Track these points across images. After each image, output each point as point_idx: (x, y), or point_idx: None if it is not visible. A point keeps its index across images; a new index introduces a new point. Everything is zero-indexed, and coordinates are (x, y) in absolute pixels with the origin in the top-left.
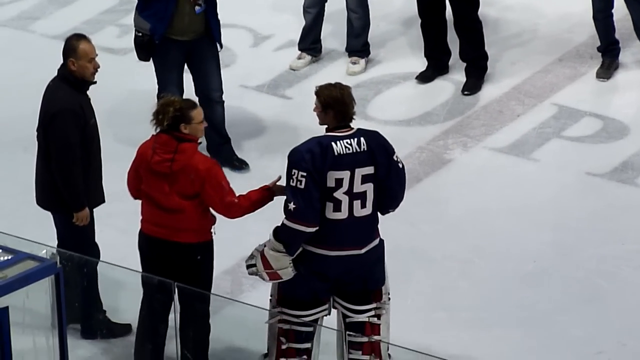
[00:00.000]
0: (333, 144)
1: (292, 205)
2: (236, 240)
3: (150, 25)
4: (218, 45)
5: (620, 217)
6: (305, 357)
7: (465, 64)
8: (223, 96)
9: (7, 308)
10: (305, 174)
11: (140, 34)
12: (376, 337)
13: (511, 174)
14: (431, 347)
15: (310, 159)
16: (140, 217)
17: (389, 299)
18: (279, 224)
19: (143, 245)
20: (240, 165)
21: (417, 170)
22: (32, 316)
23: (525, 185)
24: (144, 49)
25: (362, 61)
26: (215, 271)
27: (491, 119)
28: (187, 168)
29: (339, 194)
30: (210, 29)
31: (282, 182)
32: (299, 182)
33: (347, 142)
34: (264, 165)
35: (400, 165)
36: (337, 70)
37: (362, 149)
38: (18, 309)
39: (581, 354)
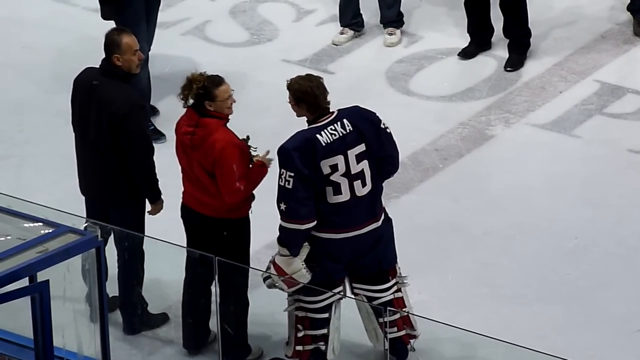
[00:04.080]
0: (318, 135)
1: (283, 206)
2: (259, 226)
3: None
4: None
5: None
6: (322, 342)
7: (508, 41)
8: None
9: (47, 281)
10: (292, 173)
11: None
12: (403, 310)
13: (553, 150)
14: (472, 323)
15: (297, 157)
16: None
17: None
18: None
19: (182, 215)
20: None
21: (459, 146)
22: (72, 290)
23: (567, 162)
24: (109, 4)
25: (398, 32)
26: (257, 245)
27: (533, 96)
28: (205, 143)
29: (336, 177)
30: None
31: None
32: (287, 182)
33: (331, 129)
34: None
35: (389, 130)
36: (376, 43)
37: (348, 130)
38: (59, 283)
39: (621, 331)
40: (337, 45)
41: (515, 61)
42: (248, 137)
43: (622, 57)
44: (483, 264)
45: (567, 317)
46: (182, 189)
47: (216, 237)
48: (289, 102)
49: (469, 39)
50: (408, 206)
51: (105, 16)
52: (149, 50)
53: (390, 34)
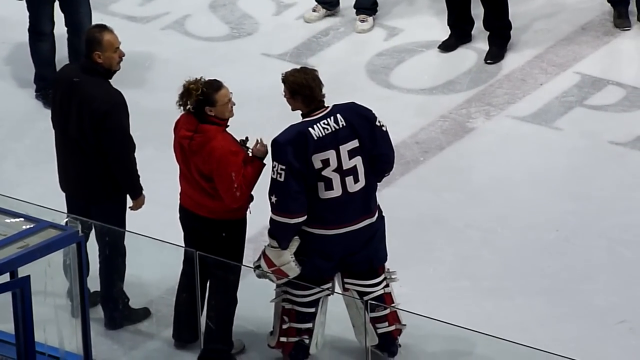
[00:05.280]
0: (310, 129)
1: (273, 198)
2: (258, 209)
3: None
4: None
5: None
6: (306, 336)
7: (488, 33)
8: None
9: (28, 277)
10: (284, 167)
11: None
12: (391, 306)
13: (534, 142)
14: (454, 315)
15: (290, 150)
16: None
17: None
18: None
19: (180, 216)
20: None
21: (439, 139)
22: (54, 285)
23: (548, 154)
24: None
25: (370, 19)
26: (253, 230)
27: (514, 88)
28: (204, 150)
29: (328, 172)
30: None
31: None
32: (278, 175)
33: (324, 123)
34: None
35: (385, 129)
36: (357, 37)
37: (341, 125)
38: (40, 278)
39: (603, 323)
40: (307, 22)
41: (496, 54)
42: (247, 139)
43: (603, 49)
44: (464, 257)
45: (549, 310)
46: (179, 190)
47: (214, 237)
48: (284, 95)
49: (449, 32)
50: (389, 199)
51: None
52: (84, 27)
53: (362, 21)
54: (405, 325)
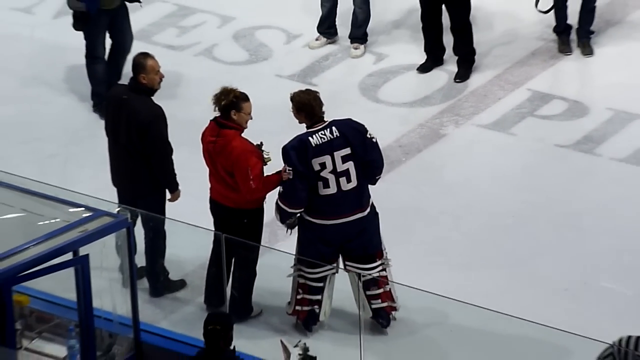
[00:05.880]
0: (310, 138)
1: (281, 189)
2: (270, 197)
3: (84, 4)
4: (139, 4)
5: (582, 180)
6: (316, 306)
7: (457, 58)
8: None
9: (87, 255)
10: (291, 168)
11: (78, 13)
12: (386, 288)
13: (494, 146)
14: (431, 285)
15: (294, 155)
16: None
17: (387, 255)
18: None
19: (210, 207)
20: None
21: (418, 143)
22: (108, 262)
23: (506, 155)
24: (80, 21)
25: (362, 47)
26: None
27: (478, 102)
28: (225, 150)
29: (325, 174)
30: None
31: None
32: (288, 174)
33: (322, 134)
34: None
35: (374, 140)
36: (351, 62)
37: (335, 136)
38: (97, 256)
39: (551, 290)
40: (311, 49)
41: (463, 74)
42: (261, 143)
43: (550, 70)
44: (439, 238)
45: (508, 280)
46: (209, 186)
47: (238, 223)
48: (292, 111)
49: (425, 57)
50: (378, 193)
51: (77, 29)
52: (130, 46)
53: (356, 49)
54: (396, 304)
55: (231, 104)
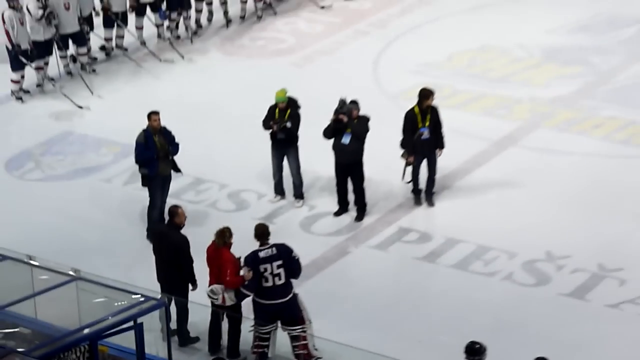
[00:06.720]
0: (260, 252)
1: (246, 283)
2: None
3: (147, 171)
4: (180, 174)
5: (424, 284)
6: (266, 349)
7: (356, 207)
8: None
9: (142, 323)
10: (249, 269)
11: (143, 175)
12: (303, 342)
13: (375, 260)
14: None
15: (251, 261)
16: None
17: (310, 322)
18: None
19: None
20: None
21: (332, 258)
22: (154, 326)
23: (382, 267)
24: (146, 182)
25: (302, 201)
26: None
27: (368, 233)
28: (220, 259)
29: (266, 274)
30: (176, 165)
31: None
32: (248, 272)
33: (266, 251)
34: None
35: (296, 258)
36: (295, 210)
37: (273, 253)
38: (148, 322)
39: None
40: (272, 203)
41: (360, 217)
42: (240, 258)
43: (410, 214)
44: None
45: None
46: (208, 279)
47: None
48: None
49: (338, 206)
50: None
51: (143, 184)
52: (164, 204)
53: (297, 202)
54: (317, 354)
55: (228, 239)
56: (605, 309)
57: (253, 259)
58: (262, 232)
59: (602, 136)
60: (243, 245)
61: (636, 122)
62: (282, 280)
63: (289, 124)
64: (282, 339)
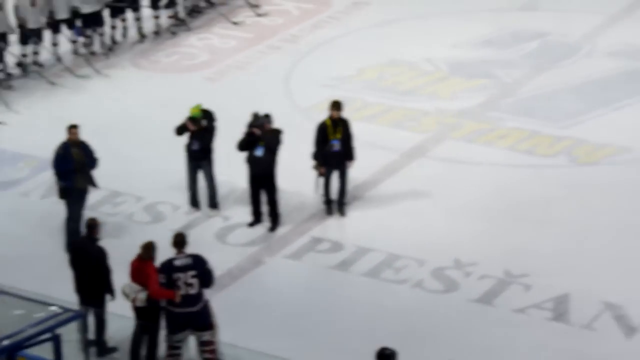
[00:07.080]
0: (175, 261)
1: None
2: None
3: (65, 183)
4: (97, 188)
5: (338, 292)
6: (178, 356)
7: (270, 218)
8: None
9: (60, 334)
10: (163, 275)
11: (60, 188)
12: (211, 346)
13: (288, 269)
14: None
15: (166, 269)
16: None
17: (217, 327)
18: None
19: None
20: None
21: (246, 268)
22: (72, 337)
23: (296, 275)
24: (63, 195)
25: (216, 211)
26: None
27: (282, 243)
28: (144, 271)
29: (179, 283)
30: (92, 180)
31: None
32: (163, 279)
33: (182, 260)
34: None
35: (210, 268)
36: (210, 221)
37: (188, 263)
38: (66, 334)
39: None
40: (187, 214)
41: (274, 227)
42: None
43: (323, 224)
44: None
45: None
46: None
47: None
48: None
49: (252, 217)
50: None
51: (60, 197)
52: (81, 217)
53: (212, 211)
54: (222, 357)
55: (149, 250)
56: (512, 314)
57: (168, 267)
58: (179, 240)
59: (507, 146)
60: (159, 257)
61: (540, 132)
62: (195, 290)
63: (204, 122)
64: (189, 342)
